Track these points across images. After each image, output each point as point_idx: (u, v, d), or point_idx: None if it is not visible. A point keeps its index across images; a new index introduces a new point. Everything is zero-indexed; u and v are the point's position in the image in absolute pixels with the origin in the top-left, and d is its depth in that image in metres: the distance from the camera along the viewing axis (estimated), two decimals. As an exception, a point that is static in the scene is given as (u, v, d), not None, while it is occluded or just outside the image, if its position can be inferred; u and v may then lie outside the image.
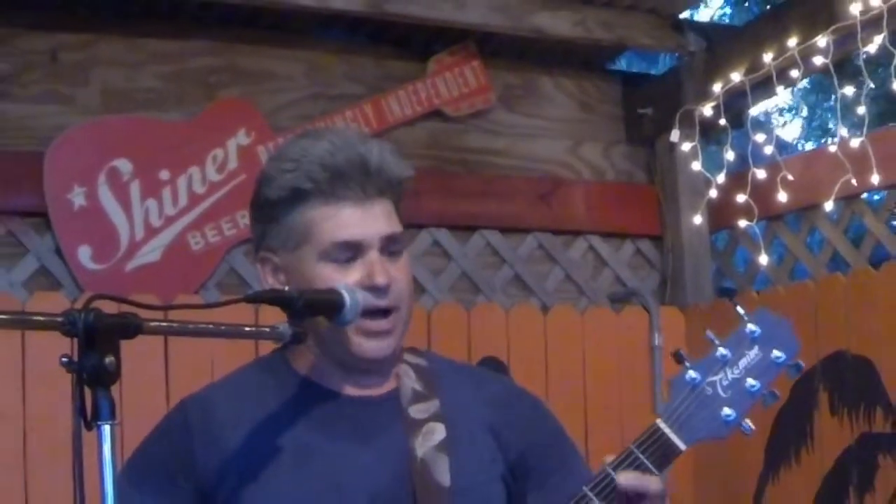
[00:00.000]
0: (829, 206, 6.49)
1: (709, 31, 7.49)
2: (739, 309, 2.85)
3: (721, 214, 7.10)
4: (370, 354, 3.21)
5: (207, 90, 6.72)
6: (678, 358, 2.84)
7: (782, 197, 6.67)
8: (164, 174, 6.53)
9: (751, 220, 6.85)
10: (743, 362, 2.81)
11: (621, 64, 7.70)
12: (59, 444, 5.79)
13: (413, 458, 3.20)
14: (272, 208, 3.25)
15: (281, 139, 6.69)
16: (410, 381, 3.37)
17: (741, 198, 6.81)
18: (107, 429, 2.67)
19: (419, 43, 7.13)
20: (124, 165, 6.46)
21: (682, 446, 2.81)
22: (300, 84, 6.93)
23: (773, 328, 2.83)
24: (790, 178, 6.68)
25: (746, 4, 13.49)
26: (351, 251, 3.15)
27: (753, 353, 2.82)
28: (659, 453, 2.81)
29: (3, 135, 6.36)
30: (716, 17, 13.62)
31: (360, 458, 3.21)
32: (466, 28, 6.95)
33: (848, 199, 6.45)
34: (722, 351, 2.82)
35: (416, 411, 3.30)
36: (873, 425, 6.14)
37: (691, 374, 2.80)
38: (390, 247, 3.22)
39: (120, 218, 6.43)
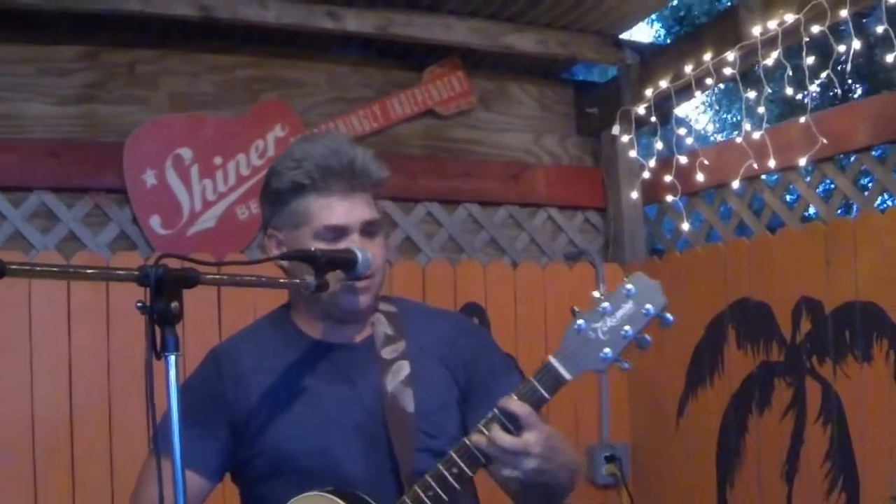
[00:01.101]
0: (735, 184, 6.51)
1: (642, 48, 7.48)
2: (629, 284, 2.89)
3: (652, 191, 7.10)
4: (353, 307, 3.36)
5: (251, 94, 6.74)
6: (572, 312, 2.90)
7: (699, 177, 6.68)
8: (217, 160, 6.55)
9: (675, 196, 6.88)
10: (620, 313, 2.87)
11: (573, 73, 7.68)
12: (135, 371, 5.77)
13: (385, 393, 3.34)
14: (278, 196, 3.39)
15: (309, 131, 6.76)
16: (383, 327, 3.50)
17: (667, 178, 6.83)
18: (172, 359, 2.78)
19: (416, 57, 7.13)
20: (186, 153, 6.49)
21: (567, 376, 2.89)
22: (323, 89, 6.93)
23: (645, 288, 2.90)
24: (706, 162, 6.69)
25: (675, 29, 13.46)
26: (337, 233, 3.29)
27: (629, 307, 2.88)
28: (551, 382, 2.89)
29: (92, 130, 6.38)
30: (652, 37, 13.65)
31: (346, 396, 3.37)
32: (452, 46, 6.96)
33: (750, 179, 6.47)
34: (603, 304, 2.88)
35: (387, 352, 3.43)
36: (770, 356, 6.16)
37: (579, 322, 2.88)
38: (368, 229, 3.34)
39: (183, 194, 6.46)
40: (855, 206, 6.27)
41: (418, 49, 7.09)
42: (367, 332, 3.50)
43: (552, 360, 2.91)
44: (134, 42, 6.55)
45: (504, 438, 2.90)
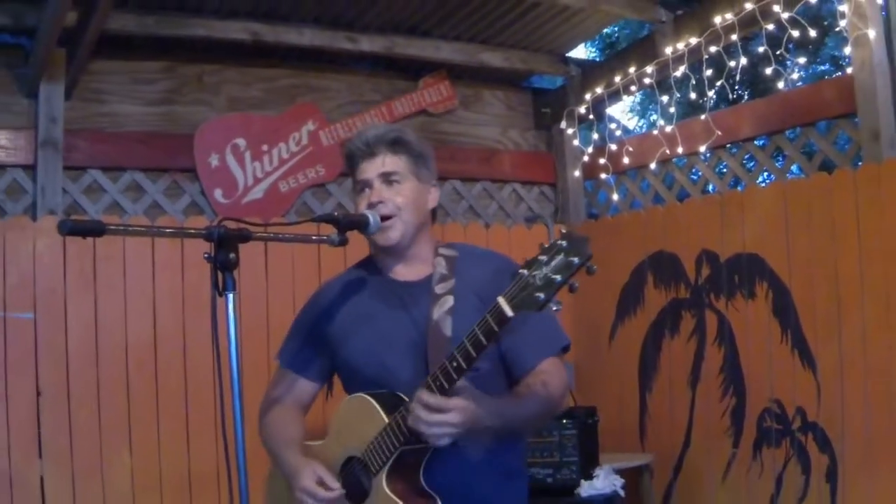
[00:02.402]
0: (653, 166, 6.49)
1: (582, 63, 7.45)
2: (561, 240, 2.76)
3: (590, 170, 7.07)
4: (385, 242, 3.38)
5: (289, 98, 6.69)
6: (521, 264, 2.81)
7: (626, 160, 6.66)
8: (264, 147, 6.51)
9: (607, 174, 6.84)
10: (553, 263, 2.74)
11: (531, 82, 7.64)
12: (202, 306, 5.79)
13: (430, 319, 3.32)
14: (348, 161, 3.48)
15: (332, 127, 6.76)
16: (440, 268, 3.46)
17: (601, 161, 6.81)
18: (230, 296, 2.87)
19: (413, 70, 7.08)
20: (241, 142, 6.44)
21: (510, 314, 2.79)
22: (344, 94, 6.89)
23: (574, 242, 2.74)
24: (630, 149, 6.66)
25: (606, 51, 13.40)
26: (364, 184, 3.40)
27: (560, 258, 2.75)
28: (498, 318, 2.81)
29: (171, 124, 6.34)
30: (589, 55, 13.62)
31: (402, 320, 3.39)
32: (441, 62, 6.92)
33: (664, 161, 6.44)
34: (541, 256, 2.77)
35: (439, 288, 3.40)
36: (679, 294, 6.15)
37: (522, 270, 2.79)
38: (389, 177, 3.38)
39: (238, 173, 6.42)
40: (742, 182, 6.24)
41: (415, 64, 7.04)
42: (429, 271, 3.47)
43: (500, 299, 2.83)
44: (202, 59, 6.51)
45: (426, 416, 2.90)
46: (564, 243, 2.76)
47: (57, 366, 5.63)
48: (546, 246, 2.79)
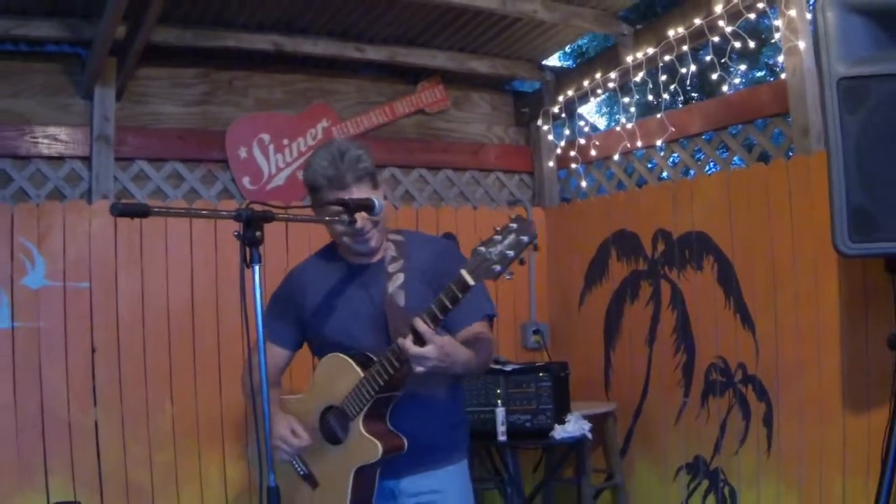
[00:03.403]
0: (616, 157, 6.47)
1: (556, 70, 7.41)
2: (511, 223, 2.98)
3: (562, 161, 7.05)
4: (361, 250, 3.53)
5: (306, 99, 6.66)
6: (479, 241, 3.02)
7: (593, 152, 6.65)
8: (286, 141, 6.48)
9: (577, 164, 6.82)
10: (506, 241, 2.95)
11: (513, 86, 7.61)
12: (233, 276, 5.76)
13: (386, 293, 3.51)
14: (311, 192, 3.53)
15: (343, 124, 6.73)
16: (391, 251, 3.62)
17: (572, 153, 6.77)
18: (257, 268, 2.90)
19: (412, 76, 7.06)
20: (265, 137, 6.42)
21: (471, 282, 2.99)
22: (353, 96, 6.86)
23: (523, 224, 2.97)
24: (597, 143, 6.64)
25: (578, 60, 13.35)
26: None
27: (512, 237, 2.96)
28: (460, 286, 3.00)
29: (205, 122, 6.33)
30: (561, 63, 13.57)
31: (363, 297, 3.57)
32: (436, 68, 6.90)
33: (626, 153, 6.42)
34: (496, 235, 2.98)
35: (391, 268, 3.58)
36: (638, 266, 6.13)
37: (479, 247, 2.98)
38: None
39: (263, 163, 6.40)
40: (692, 171, 6.23)
41: (414, 70, 7.01)
42: (382, 254, 3.61)
43: (462, 270, 3.01)
44: (232, 66, 6.47)
45: (411, 347, 3.08)
46: (515, 225, 2.98)
47: (109, 327, 5.65)
48: (499, 228, 2.99)
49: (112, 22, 5.13)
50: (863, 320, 4.68)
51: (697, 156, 6.33)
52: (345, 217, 3.35)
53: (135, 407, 5.65)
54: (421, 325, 3.07)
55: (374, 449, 3.32)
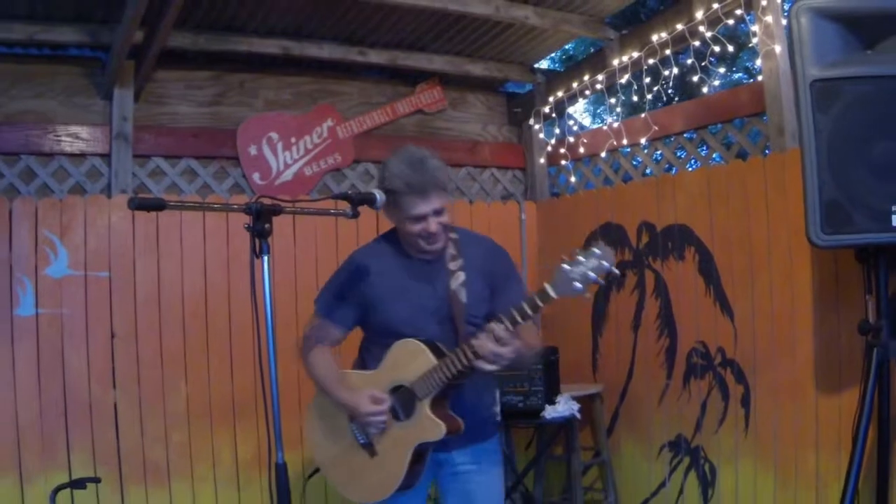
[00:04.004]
0: (603, 154, 6.45)
1: (547, 72, 7.41)
2: (596, 249, 3.12)
3: (552, 158, 7.04)
4: (429, 249, 3.60)
5: (312, 100, 6.64)
6: (562, 260, 3.18)
7: (581, 150, 6.64)
8: (293, 139, 6.46)
9: (566, 161, 6.81)
10: (588, 264, 3.10)
11: (506, 88, 7.59)
12: (243, 266, 5.77)
13: (449, 289, 3.62)
14: (387, 192, 3.50)
15: (347, 123, 6.70)
16: (450, 249, 3.69)
17: (562, 150, 6.76)
18: (266, 258, 2.92)
19: (412, 78, 7.04)
20: (274, 135, 6.40)
21: (554, 296, 3.17)
22: (356, 98, 6.84)
23: (604, 251, 3.11)
24: (585, 141, 6.63)
25: (567, 63, 13.33)
26: (420, 218, 3.51)
27: (594, 261, 3.10)
28: (544, 298, 3.18)
29: (218, 121, 6.31)
30: (551, 66, 13.54)
31: (427, 290, 3.65)
32: (434, 71, 6.89)
33: (612, 151, 6.41)
34: (579, 257, 3.12)
35: (452, 265, 3.67)
36: (624, 256, 6.12)
37: (565, 266, 3.13)
38: (438, 212, 3.52)
39: (272, 160, 6.38)
40: (674, 168, 6.23)
41: (413, 73, 6.99)
42: (442, 251, 3.68)
43: (547, 285, 3.19)
44: (243, 69, 6.46)
45: (492, 348, 3.26)
46: (599, 252, 3.11)
47: (127, 313, 5.64)
48: (584, 251, 3.14)
49: (130, 28, 5.13)
50: (834, 307, 4.68)
51: (679, 153, 6.33)
52: (348, 211, 3.37)
53: (151, 389, 5.64)
54: (501, 332, 3.25)
55: (439, 429, 3.46)
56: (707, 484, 5.48)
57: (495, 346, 3.25)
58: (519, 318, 3.25)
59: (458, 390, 3.57)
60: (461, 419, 3.55)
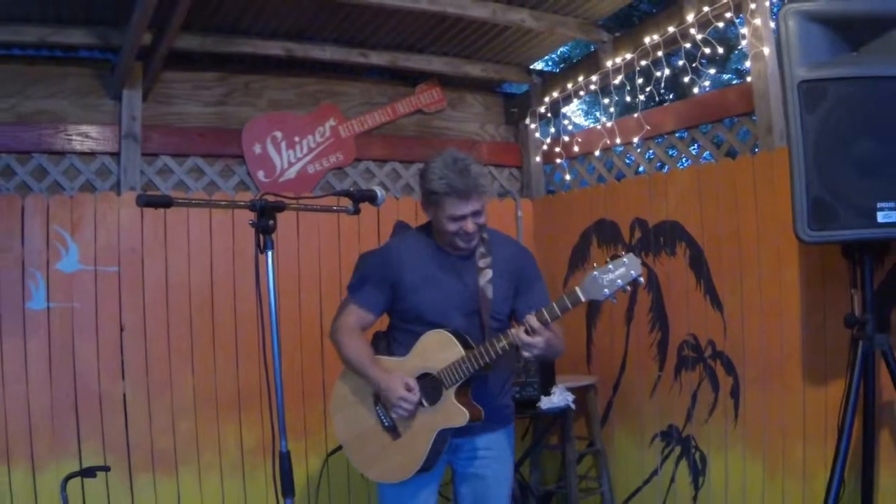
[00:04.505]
0: (597, 153, 6.46)
1: (542, 73, 7.39)
2: (625, 258, 3.32)
3: (548, 156, 7.03)
4: (464, 248, 3.72)
5: (315, 100, 6.63)
6: (593, 266, 3.38)
7: (576, 148, 6.64)
8: (296, 138, 6.45)
9: (561, 159, 6.81)
10: (617, 272, 3.29)
11: (503, 88, 7.58)
12: (248, 261, 5.77)
13: (477, 285, 3.74)
14: (429, 193, 3.66)
15: (349, 123, 6.69)
16: (480, 248, 3.81)
17: (557, 149, 6.78)
18: (270, 254, 2.93)
19: (412, 79, 7.03)
20: (278, 134, 6.39)
21: (583, 299, 3.35)
22: (358, 98, 6.84)
23: (632, 261, 3.29)
24: (579, 140, 6.63)
25: (561, 65, 13.32)
26: (460, 217, 3.63)
27: (622, 269, 3.28)
28: (573, 300, 3.33)
29: (224, 121, 6.29)
30: (546, 68, 13.53)
31: (457, 284, 3.77)
32: (433, 72, 6.88)
33: (606, 150, 6.40)
34: (609, 265, 3.29)
35: (481, 263, 3.79)
36: (617, 251, 6.09)
37: (594, 273, 3.30)
38: (477, 213, 3.64)
39: (276, 158, 6.37)
40: (666, 166, 6.23)
41: (413, 74, 6.98)
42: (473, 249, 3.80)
43: (577, 288, 3.36)
44: (248, 70, 6.45)
45: (525, 337, 3.43)
46: (627, 261, 3.30)
47: (136, 307, 5.64)
48: (614, 258, 3.32)
49: (139, 30, 5.14)
50: (821, 301, 4.69)
51: (671, 152, 6.32)
52: (350, 208, 3.41)
53: (159, 380, 5.65)
54: (536, 323, 3.39)
55: (462, 416, 3.61)
56: (698, 472, 5.49)
57: (528, 337, 3.41)
58: (548, 318, 3.41)
59: (481, 381, 3.71)
60: (481, 408, 3.68)
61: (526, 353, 3.46)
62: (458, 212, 3.60)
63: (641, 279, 3.32)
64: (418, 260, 3.78)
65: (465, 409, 3.60)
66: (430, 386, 3.67)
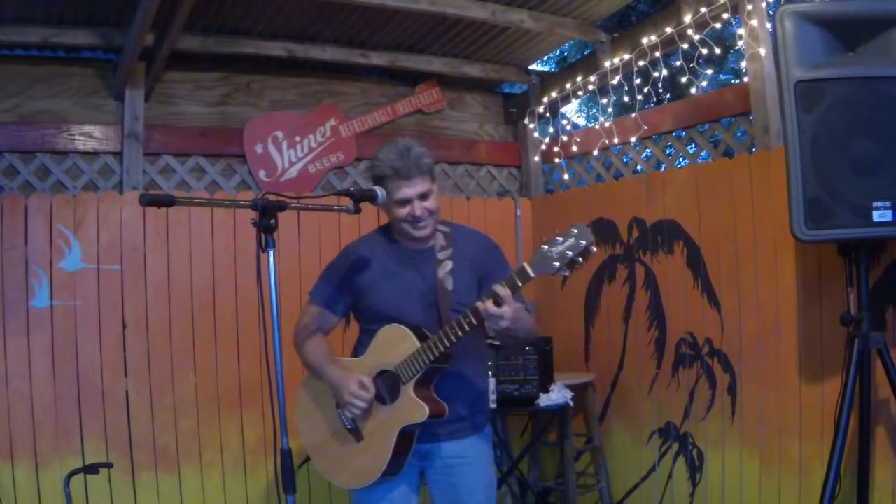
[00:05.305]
0: (595, 152, 6.46)
1: (541, 73, 7.38)
2: (573, 228, 3.13)
3: (546, 156, 7.03)
4: (416, 235, 3.63)
5: (316, 100, 6.63)
6: (542, 240, 3.17)
7: (574, 148, 6.64)
8: (298, 138, 6.45)
9: (560, 159, 6.82)
10: (567, 243, 3.10)
11: (502, 88, 7.58)
12: (250, 260, 5.77)
13: (436, 277, 3.65)
14: (376, 180, 3.59)
15: (349, 122, 6.69)
16: (440, 240, 3.73)
17: (556, 149, 6.78)
18: (271, 252, 2.92)
19: (412, 79, 7.03)
20: (279, 134, 6.39)
21: (532, 274, 3.16)
22: (358, 98, 6.84)
23: (581, 229, 3.10)
24: (577, 139, 6.63)
25: (561, 65, 13.31)
26: (405, 201, 3.56)
27: (571, 240, 3.09)
28: (523, 277, 3.16)
29: (225, 121, 6.30)
30: (546, 68, 13.53)
31: (415, 278, 3.67)
32: (433, 72, 6.87)
33: (603, 149, 6.41)
34: (558, 237, 3.11)
35: (441, 255, 3.70)
36: (615, 250, 6.12)
37: (543, 246, 3.13)
38: (424, 196, 3.58)
39: (278, 158, 6.37)
40: (664, 165, 6.23)
41: (413, 74, 6.98)
42: (432, 242, 3.72)
43: (525, 264, 3.19)
44: (249, 70, 6.45)
45: (491, 307, 3.22)
46: (576, 231, 3.11)
47: (138, 305, 5.65)
48: (562, 231, 3.13)
49: (141, 31, 5.13)
50: (817, 300, 4.69)
51: (668, 151, 6.32)
52: (350, 207, 3.41)
53: (161, 377, 5.65)
54: (502, 290, 3.21)
55: (422, 411, 3.45)
56: (695, 469, 5.49)
57: (496, 307, 3.21)
58: (496, 300, 3.22)
59: (445, 376, 3.59)
60: (446, 404, 3.55)
61: (493, 327, 3.27)
62: (404, 194, 3.53)
63: (594, 248, 3.13)
64: (376, 256, 3.72)
65: (423, 404, 3.45)
66: (390, 383, 3.56)
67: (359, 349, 3.78)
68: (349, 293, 3.75)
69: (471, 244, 3.77)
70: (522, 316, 3.38)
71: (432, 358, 3.42)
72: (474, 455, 3.72)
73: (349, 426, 3.64)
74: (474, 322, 3.32)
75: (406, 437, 3.53)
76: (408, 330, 3.52)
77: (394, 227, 3.72)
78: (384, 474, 3.54)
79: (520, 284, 3.22)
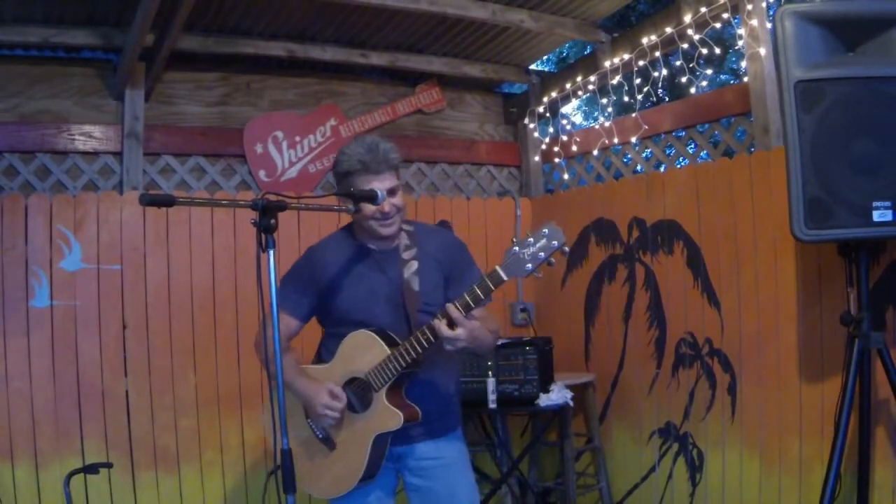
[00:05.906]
0: (595, 152, 6.46)
1: (541, 73, 7.39)
2: (545, 228, 3.09)
3: (546, 156, 7.04)
4: (384, 233, 3.54)
5: (316, 100, 6.64)
6: (512, 241, 3.14)
7: (574, 148, 6.64)
8: (298, 138, 6.46)
9: (560, 158, 6.82)
10: (538, 244, 3.08)
11: (502, 88, 7.59)
12: (250, 260, 5.78)
13: (402, 278, 3.58)
14: (342, 175, 3.53)
15: (349, 122, 6.70)
16: (404, 240, 3.66)
17: (556, 148, 6.78)
18: (271, 252, 2.90)
19: (412, 79, 7.04)
20: (279, 134, 6.40)
21: (505, 277, 3.14)
22: (358, 98, 6.84)
23: (554, 230, 3.07)
24: (577, 139, 6.64)
25: (560, 65, 13.32)
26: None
27: (543, 241, 3.08)
28: (495, 280, 3.13)
29: (225, 121, 6.30)
30: (546, 68, 13.54)
31: (381, 279, 3.60)
32: (433, 72, 6.88)
33: (603, 149, 6.42)
34: (530, 238, 3.10)
35: (406, 255, 3.63)
36: (615, 250, 6.12)
37: (515, 247, 3.11)
38: (391, 192, 3.48)
39: (278, 158, 6.38)
40: (664, 165, 6.23)
41: (413, 74, 6.99)
42: (396, 242, 3.64)
43: (497, 268, 3.14)
44: (249, 70, 6.46)
45: (446, 331, 3.19)
46: (547, 231, 3.08)
47: (138, 305, 5.65)
48: (533, 232, 3.10)
49: (141, 31, 5.13)
50: (817, 300, 4.69)
51: (668, 151, 6.32)
52: (350, 207, 3.43)
53: (161, 377, 5.65)
54: (454, 313, 3.17)
55: (396, 418, 3.41)
56: (695, 469, 5.49)
57: (449, 330, 3.19)
58: (471, 302, 3.20)
59: (415, 379, 3.54)
60: (418, 408, 3.50)
61: (449, 348, 3.24)
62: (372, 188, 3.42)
63: (566, 248, 3.09)
64: (340, 258, 3.63)
65: (398, 411, 3.40)
66: (360, 390, 3.49)
67: (323, 353, 3.73)
68: (313, 296, 3.66)
69: (435, 243, 3.71)
70: (479, 334, 3.31)
71: (404, 364, 3.36)
72: (449, 456, 3.66)
73: (320, 435, 3.59)
74: (426, 344, 3.31)
75: (381, 444, 3.49)
76: (375, 336, 3.46)
77: (358, 227, 3.64)
78: (362, 479, 3.50)
79: (492, 288, 3.18)
